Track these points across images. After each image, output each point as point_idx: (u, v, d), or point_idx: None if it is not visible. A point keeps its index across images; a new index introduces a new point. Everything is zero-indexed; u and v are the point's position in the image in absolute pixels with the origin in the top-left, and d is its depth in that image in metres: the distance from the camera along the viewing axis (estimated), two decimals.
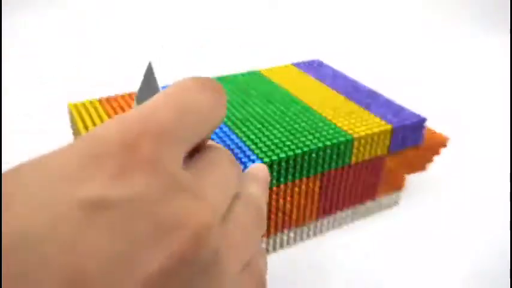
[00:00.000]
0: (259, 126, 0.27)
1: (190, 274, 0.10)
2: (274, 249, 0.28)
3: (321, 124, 0.27)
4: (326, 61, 0.61)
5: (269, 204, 0.26)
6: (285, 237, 0.28)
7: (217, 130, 0.26)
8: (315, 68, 0.36)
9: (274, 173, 0.24)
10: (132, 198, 0.10)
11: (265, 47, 0.69)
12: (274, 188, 0.25)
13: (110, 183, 0.10)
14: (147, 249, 0.10)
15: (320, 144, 0.25)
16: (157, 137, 0.11)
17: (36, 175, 0.10)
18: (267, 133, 0.26)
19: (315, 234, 0.30)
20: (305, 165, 0.25)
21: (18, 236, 0.09)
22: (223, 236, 0.12)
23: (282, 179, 0.25)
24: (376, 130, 0.27)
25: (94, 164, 0.10)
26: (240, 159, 0.23)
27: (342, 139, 0.26)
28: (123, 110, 0.28)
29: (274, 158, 0.24)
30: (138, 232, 0.10)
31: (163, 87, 0.32)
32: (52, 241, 0.09)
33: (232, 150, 0.24)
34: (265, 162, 0.23)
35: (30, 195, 0.09)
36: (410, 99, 0.51)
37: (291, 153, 0.24)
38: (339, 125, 0.27)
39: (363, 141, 0.27)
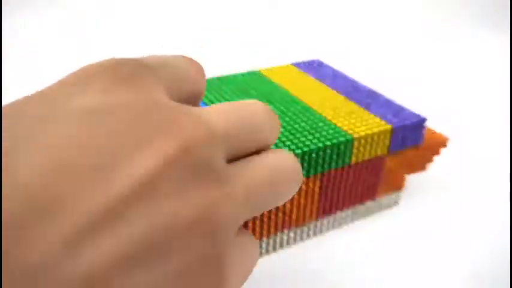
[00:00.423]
0: None
1: (178, 178, 0.10)
2: (274, 249, 0.28)
3: (321, 124, 0.27)
4: (326, 61, 0.61)
5: None
6: (285, 237, 0.28)
7: None
8: (315, 68, 0.36)
9: None
10: (123, 104, 0.10)
11: (265, 47, 0.69)
12: None
13: (101, 95, 0.11)
14: (136, 151, 0.10)
15: (320, 144, 0.25)
16: (146, 65, 0.12)
17: (36, 94, 0.11)
18: None
19: (315, 234, 0.30)
20: (305, 165, 0.25)
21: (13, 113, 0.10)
22: (222, 153, 0.12)
23: None
24: (376, 130, 0.27)
25: (85, 82, 0.11)
26: None
27: (342, 139, 0.26)
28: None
29: None
30: (128, 135, 0.10)
31: None
32: (45, 133, 0.09)
33: None
34: None
35: (30, 104, 0.10)
36: (410, 99, 0.51)
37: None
38: (339, 125, 0.27)
39: (362, 141, 0.27)
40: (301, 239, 0.29)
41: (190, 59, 0.15)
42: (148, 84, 0.12)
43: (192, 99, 0.15)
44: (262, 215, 0.26)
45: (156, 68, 0.13)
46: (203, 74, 0.15)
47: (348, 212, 0.30)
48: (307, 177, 0.26)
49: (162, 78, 0.13)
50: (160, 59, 0.14)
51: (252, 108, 0.14)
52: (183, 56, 0.15)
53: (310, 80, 0.33)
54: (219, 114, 0.13)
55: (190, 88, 0.14)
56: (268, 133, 0.15)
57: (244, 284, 0.26)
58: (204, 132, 0.11)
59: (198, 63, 0.15)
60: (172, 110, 0.11)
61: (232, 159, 0.14)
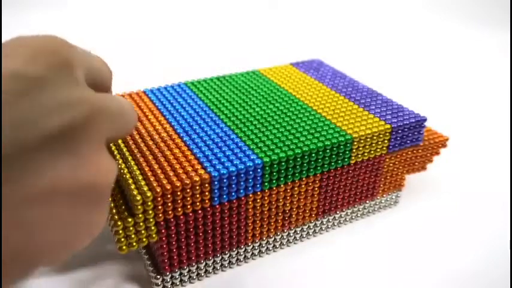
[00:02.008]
0: (259, 126, 0.27)
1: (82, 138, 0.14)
2: (274, 249, 0.28)
3: (320, 124, 0.27)
4: (326, 61, 0.61)
5: (269, 204, 0.26)
6: (284, 237, 0.28)
7: (217, 130, 0.26)
8: (314, 68, 0.36)
9: (274, 173, 0.24)
10: (34, 77, 0.14)
11: (265, 47, 0.69)
12: (274, 188, 0.25)
13: (22, 64, 0.14)
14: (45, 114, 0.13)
15: (320, 144, 0.25)
16: (67, 44, 0.15)
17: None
18: (267, 133, 0.26)
19: (315, 234, 0.30)
20: (305, 165, 0.25)
21: None
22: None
23: (282, 179, 0.25)
24: (375, 130, 0.27)
25: (19, 53, 0.14)
26: (240, 159, 0.23)
27: (341, 139, 0.26)
28: None
29: (274, 158, 0.24)
30: (39, 99, 0.13)
31: (164, 88, 0.32)
32: None
33: (232, 150, 0.24)
34: (265, 162, 0.23)
35: None
36: (410, 99, 0.51)
37: (291, 153, 0.24)
38: (339, 124, 0.27)
39: (362, 141, 0.27)
40: (301, 239, 0.29)
41: (104, 62, 0.19)
42: (74, 62, 0.15)
43: (105, 88, 0.19)
44: (262, 215, 0.26)
45: (79, 51, 0.16)
46: (110, 71, 0.19)
47: (347, 212, 0.30)
48: (307, 177, 0.26)
49: (84, 61, 0.16)
50: (85, 53, 0.17)
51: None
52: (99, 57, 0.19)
53: (310, 80, 0.33)
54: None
55: (103, 77, 0.18)
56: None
57: (245, 283, 0.26)
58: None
59: (105, 63, 0.19)
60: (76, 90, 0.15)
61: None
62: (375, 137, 0.27)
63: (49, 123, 0.13)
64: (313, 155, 0.25)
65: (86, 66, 0.16)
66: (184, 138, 0.25)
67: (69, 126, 0.14)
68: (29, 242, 0.14)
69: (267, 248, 0.28)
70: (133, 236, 0.21)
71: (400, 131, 0.28)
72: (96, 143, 0.15)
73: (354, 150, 0.27)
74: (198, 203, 0.22)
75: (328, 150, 0.25)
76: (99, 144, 0.15)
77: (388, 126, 0.27)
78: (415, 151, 0.31)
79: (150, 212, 0.21)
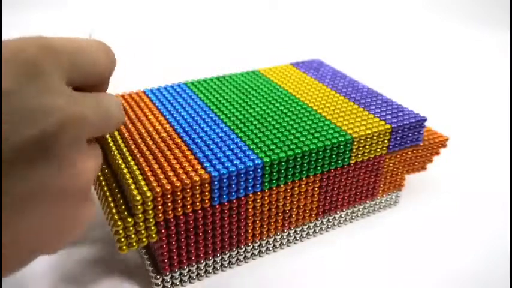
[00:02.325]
0: (259, 126, 0.27)
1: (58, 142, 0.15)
2: (274, 249, 0.28)
3: (320, 124, 0.27)
4: (326, 61, 0.61)
5: (269, 204, 0.26)
6: (284, 237, 0.28)
7: (217, 130, 0.26)
8: (314, 68, 0.36)
9: (274, 173, 0.24)
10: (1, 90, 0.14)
11: (265, 47, 0.69)
12: (274, 188, 0.25)
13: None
14: (20, 124, 0.14)
15: (320, 144, 0.25)
16: (50, 49, 0.15)
17: None
18: (267, 133, 0.26)
19: (315, 234, 0.30)
20: (305, 165, 0.25)
21: None
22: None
23: (282, 179, 0.25)
24: (375, 130, 0.27)
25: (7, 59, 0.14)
26: (240, 159, 0.23)
27: (341, 139, 0.26)
28: (124, 109, 0.28)
29: (274, 158, 0.24)
30: (8, 113, 0.14)
31: (164, 88, 0.32)
32: None
33: (232, 150, 0.24)
34: (265, 162, 0.23)
35: None
36: (410, 99, 0.51)
37: (291, 153, 0.24)
38: (339, 124, 0.27)
39: (362, 141, 0.27)
40: (301, 239, 0.29)
41: (102, 44, 0.18)
42: (47, 69, 0.15)
43: (99, 81, 0.18)
44: (262, 215, 0.26)
45: (61, 52, 0.16)
46: (113, 59, 0.19)
47: (347, 212, 0.30)
48: (307, 177, 0.26)
49: (64, 63, 0.16)
50: (70, 44, 0.17)
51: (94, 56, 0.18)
52: (96, 41, 0.18)
53: (310, 80, 0.33)
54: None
55: (95, 71, 0.18)
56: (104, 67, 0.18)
57: (245, 283, 0.26)
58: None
59: (108, 48, 0.19)
60: (53, 96, 0.15)
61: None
62: (374, 137, 0.27)
63: (20, 135, 0.14)
64: (313, 155, 0.25)
65: (67, 67, 0.16)
66: (184, 138, 0.25)
67: (41, 136, 0.14)
68: (22, 240, 0.15)
69: (267, 248, 0.28)
70: (133, 236, 0.21)
71: (400, 131, 0.28)
72: (72, 147, 0.15)
73: (354, 150, 0.27)
74: (198, 203, 0.22)
75: (328, 150, 0.25)
76: (77, 146, 0.16)
77: (388, 126, 0.27)
78: (415, 151, 0.31)
79: (150, 212, 0.21)
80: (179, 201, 0.22)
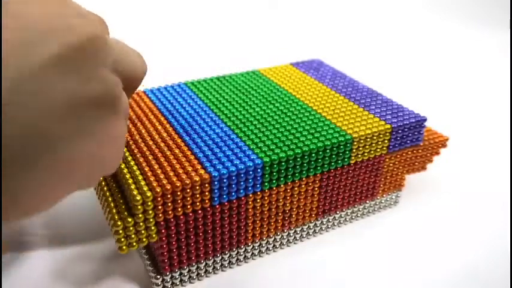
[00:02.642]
0: (259, 126, 0.27)
1: (81, 61, 0.15)
2: (274, 249, 0.28)
3: (320, 124, 0.27)
4: (326, 61, 0.61)
5: (269, 204, 0.26)
6: (284, 237, 0.28)
7: (217, 130, 0.26)
8: (315, 68, 0.36)
9: (274, 173, 0.24)
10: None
11: (265, 47, 0.69)
12: (274, 188, 0.25)
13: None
14: (48, 37, 0.14)
15: (320, 144, 0.25)
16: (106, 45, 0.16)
17: None
18: (267, 133, 0.26)
19: (315, 234, 0.30)
20: (305, 165, 0.25)
21: None
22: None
23: (282, 179, 0.25)
24: (375, 130, 0.27)
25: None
26: (240, 159, 0.23)
27: (341, 139, 0.26)
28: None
29: (274, 158, 0.24)
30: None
31: (164, 88, 0.32)
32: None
33: (232, 150, 0.24)
34: (265, 162, 0.23)
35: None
36: (410, 99, 0.51)
37: (291, 153, 0.24)
38: (339, 124, 0.27)
39: (362, 141, 0.27)
40: (301, 239, 0.29)
41: (139, 53, 0.20)
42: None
43: (131, 85, 0.20)
44: (262, 215, 0.26)
45: (111, 47, 0.17)
46: (146, 70, 0.21)
47: (347, 212, 0.30)
48: (307, 177, 0.26)
49: (110, 57, 0.17)
50: (117, 43, 0.18)
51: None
52: (134, 49, 0.20)
53: (310, 80, 0.33)
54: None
55: (132, 75, 0.19)
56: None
57: (245, 283, 0.26)
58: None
59: (143, 58, 0.21)
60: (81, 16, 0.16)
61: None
62: (374, 137, 0.27)
63: (51, 45, 0.14)
64: (313, 155, 0.25)
65: (110, 62, 0.17)
66: (185, 138, 0.25)
67: (71, 48, 0.14)
68: (60, 156, 0.15)
69: (267, 248, 0.28)
70: (133, 236, 0.21)
71: (400, 131, 0.28)
72: (98, 62, 0.16)
73: (354, 150, 0.27)
74: (198, 203, 0.22)
75: (328, 150, 0.25)
76: (102, 64, 0.16)
77: (388, 126, 0.27)
78: (415, 151, 0.31)
79: (150, 212, 0.21)
80: (179, 201, 0.22)
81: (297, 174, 0.25)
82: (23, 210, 0.15)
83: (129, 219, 0.21)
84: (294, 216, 0.27)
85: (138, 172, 0.22)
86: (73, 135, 0.15)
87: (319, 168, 0.26)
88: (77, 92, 0.15)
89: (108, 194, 0.23)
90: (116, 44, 0.18)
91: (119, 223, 0.21)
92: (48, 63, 0.14)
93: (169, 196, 0.21)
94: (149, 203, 0.21)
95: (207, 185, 0.22)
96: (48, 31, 0.14)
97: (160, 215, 0.22)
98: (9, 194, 0.14)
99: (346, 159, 0.27)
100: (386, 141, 0.28)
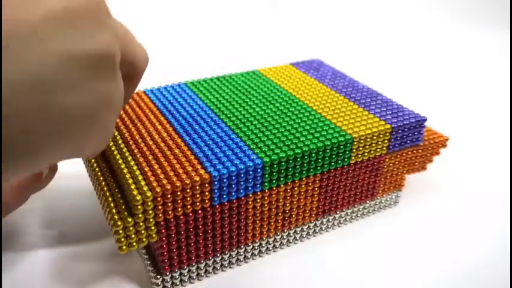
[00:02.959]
0: (259, 126, 0.27)
1: (84, 17, 0.15)
2: (274, 249, 0.28)
3: (320, 124, 0.27)
4: (326, 61, 0.61)
5: (269, 204, 0.26)
6: (284, 237, 0.28)
7: (217, 130, 0.26)
8: (314, 68, 0.36)
9: (274, 173, 0.24)
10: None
11: (265, 47, 0.69)
12: (274, 188, 0.25)
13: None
14: None
15: (320, 144, 0.25)
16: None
17: None
18: (267, 133, 0.26)
19: (315, 234, 0.30)
20: (305, 165, 0.25)
21: None
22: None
23: (282, 179, 0.25)
24: (375, 130, 0.27)
25: None
26: (240, 159, 0.23)
27: (341, 139, 0.26)
28: (123, 109, 0.28)
29: (274, 158, 0.24)
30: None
31: (164, 88, 0.32)
32: None
33: (232, 150, 0.24)
34: (265, 162, 0.23)
35: None
36: (410, 99, 0.51)
37: (291, 153, 0.24)
38: (339, 124, 0.27)
39: (362, 141, 0.27)
40: (301, 239, 0.29)
41: (141, 43, 0.21)
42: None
43: (133, 72, 0.20)
44: (262, 215, 0.26)
45: (118, 28, 0.18)
46: (147, 59, 0.21)
47: (347, 212, 0.30)
48: (307, 177, 0.26)
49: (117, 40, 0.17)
50: (123, 28, 0.19)
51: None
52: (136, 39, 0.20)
53: (310, 80, 0.33)
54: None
55: (134, 63, 0.20)
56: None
57: (245, 283, 0.26)
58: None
59: (145, 49, 0.21)
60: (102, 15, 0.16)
61: None
62: (375, 137, 0.27)
63: (52, 1, 0.14)
64: (313, 155, 0.25)
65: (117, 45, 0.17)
66: (185, 138, 0.25)
67: (73, 4, 0.15)
68: (59, 104, 0.15)
69: (267, 248, 0.28)
70: (133, 236, 0.21)
71: (400, 131, 0.28)
72: (98, 24, 0.16)
73: (354, 150, 0.27)
74: (198, 203, 0.22)
75: (328, 150, 0.25)
76: (102, 22, 0.16)
77: (388, 126, 0.27)
78: (415, 151, 0.31)
79: (150, 212, 0.21)
80: (179, 201, 0.22)
81: (297, 174, 0.25)
82: (11, 166, 0.15)
83: (129, 219, 0.21)
84: (294, 216, 0.27)
85: (138, 172, 0.22)
86: (69, 86, 0.15)
87: (319, 168, 0.26)
88: (77, 46, 0.15)
89: (108, 194, 0.23)
90: (120, 24, 0.19)
91: (119, 223, 0.21)
92: (49, 17, 0.14)
93: (169, 196, 0.21)
94: (149, 203, 0.21)
95: (207, 185, 0.22)
96: None
97: (160, 215, 0.22)
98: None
99: (346, 159, 0.27)
100: (386, 141, 0.28)
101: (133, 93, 0.22)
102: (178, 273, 0.25)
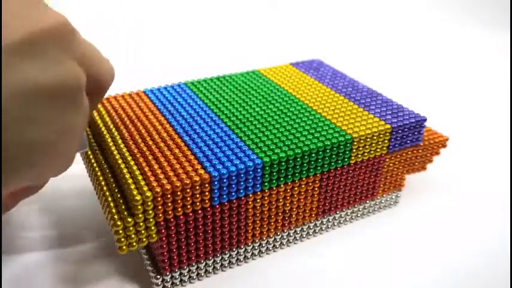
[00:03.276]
0: (259, 126, 0.27)
1: (45, 47, 0.15)
2: (274, 249, 0.28)
3: (320, 124, 0.27)
4: (326, 61, 0.61)
5: (269, 204, 0.26)
6: (285, 237, 0.28)
7: (217, 130, 0.26)
8: (314, 68, 0.36)
9: (274, 173, 0.24)
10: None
11: (265, 47, 0.69)
12: (274, 188, 0.25)
13: None
14: (17, 19, 0.14)
15: (320, 144, 0.25)
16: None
17: None
18: (267, 133, 0.26)
19: (315, 234, 0.30)
20: (305, 165, 0.25)
21: None
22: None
23: (282, 179, 0.25)
24: (375, 130, 0.27)
25: None
26: (240, 159, 0.23)
27: (341, 139, 0.26)
28: (123, 109, 0.28)
29: (274, 158, 0.24)
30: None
31: (164, 88, 0.32)
32: None
33: (232, 150, 0.24)
34: (265, 162, 0.23)
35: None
36: (410, 99, 0.51)
37: (291, 153, 0.24)
38: (339, 124, 0.27)
39: (362, 141, 0.27)
40: (301, 239, 0.29)
41: (107, 59, 0.21)
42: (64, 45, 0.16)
43: (97, 86, 0.20)
44: (262, 215, 0.26)
45: (79, 41, 0.18)
46: (113, 76, 0.21)
47: (347, 212, 0.30)
48: (307, 177, 0.26)
49: (78, 50, 0.17)
50: (86, 43, 0.19)
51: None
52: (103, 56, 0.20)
53: (310, 80, 0.33)
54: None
55: (98, 78, 0.20)
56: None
57: (245, 283, 0.26)
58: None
59: (111, 65, 0.21)
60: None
61: None
62: (375, 137, 0.27)
63: (13, 31, 0.14)
64: (313, 155, 0.25)
65: (79, 55, 0.17)
66: (184, 138, 0.25)
67: (34, 33, 0.15)
68: (18, 138, 0.15)
69: (267, 248, 0.28)
70: (133, 236, 0.21)
71: (400, 131, 0.28)
72: (62, 51, 0.16)
73: (354, 150, 0.27)
74: (198, 203, 0.22)
75: (328, 150, 0.25)
76: (67, 53, 0.16)
77: (388, 126, 0.27)
78: (415, 151, 0.31)
79: (150, 212, 0.21)
80: (179, 201, 0.22)
81: (297, 174, 0.25)
82: None
83: (129, 219, 0.21)
84: (294, 216, 0.27)
85: (138, 172, 0.22)
86: (30, 120, 0.15)
87: (319, 168, 0.26)
88: (39, 79, 0.15)
89: (108, 194, 0.23)
90: (85, 41, 0.18)
91: (119, 223, 0.21)
92: (9, 49, 0.14)
93: (169, 196, 0.21)
94: (149, 203, 0.21)
95: (207, 185, 0.22)
96: (11, 18, 0.14)
97: (160, 215, 0.22)
98: None
99: (346, 159, 0.27)
100: (386, 141, 0.28)
101: (98, 105, 0.23)
102: (178, 273, 0.25)
